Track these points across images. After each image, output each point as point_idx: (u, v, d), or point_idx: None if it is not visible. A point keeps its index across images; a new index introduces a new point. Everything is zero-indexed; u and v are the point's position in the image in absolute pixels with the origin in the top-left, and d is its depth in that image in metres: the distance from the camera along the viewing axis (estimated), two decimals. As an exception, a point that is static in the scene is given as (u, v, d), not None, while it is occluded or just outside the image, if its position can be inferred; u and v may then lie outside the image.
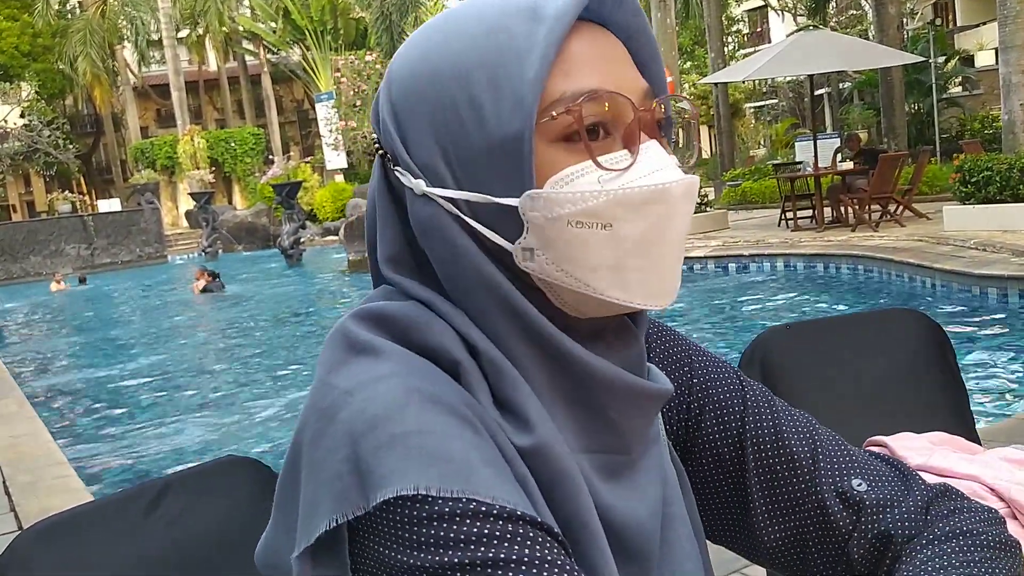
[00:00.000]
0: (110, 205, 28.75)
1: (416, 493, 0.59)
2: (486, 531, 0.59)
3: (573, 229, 0.67)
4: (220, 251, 24.35)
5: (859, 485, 0.84)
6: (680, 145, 0.77)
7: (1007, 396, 5.24)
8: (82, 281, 20.79)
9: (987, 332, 6.74)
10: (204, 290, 15.54)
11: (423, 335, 0.69)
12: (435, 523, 0.59)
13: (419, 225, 0.71)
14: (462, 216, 0.69)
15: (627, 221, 0.67)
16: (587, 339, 0.71)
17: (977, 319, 7.10)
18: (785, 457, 0.85)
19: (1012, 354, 6.16)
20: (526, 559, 0.59)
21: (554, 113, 0.67)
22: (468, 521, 0.59)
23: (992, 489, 1.39)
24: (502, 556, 0.59)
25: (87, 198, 32.73)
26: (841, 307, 8.50)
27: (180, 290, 16.47)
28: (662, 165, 0.69)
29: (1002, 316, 7.14)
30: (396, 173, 0.72)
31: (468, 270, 0.70)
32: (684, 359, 0.90)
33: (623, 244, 0.68)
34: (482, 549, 0.59)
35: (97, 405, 8.01)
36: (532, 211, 0.67)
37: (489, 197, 0.68)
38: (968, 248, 8.77)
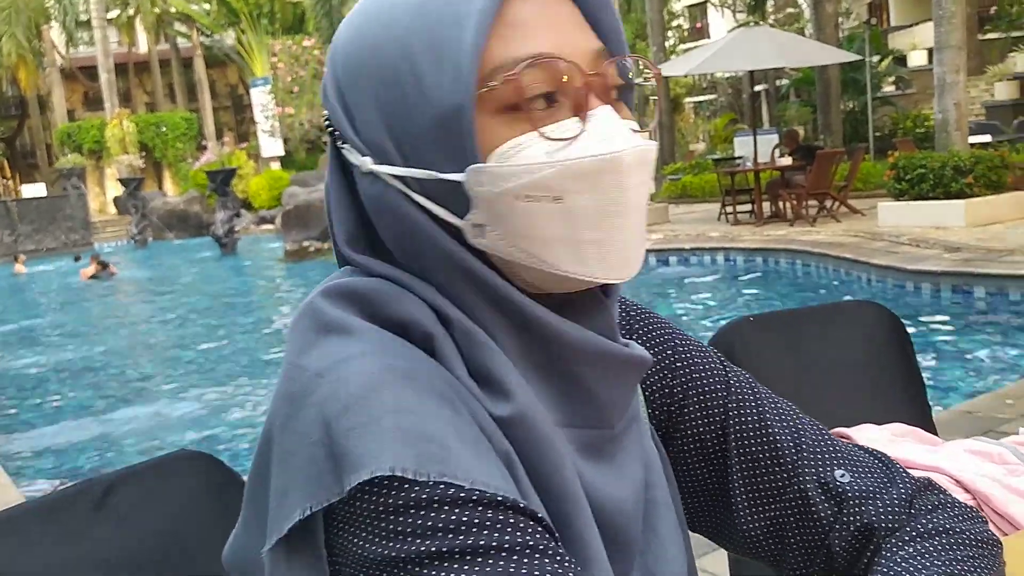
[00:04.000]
0: (35, 190, 27.87)
1: (392, 475, 0.56)
2: (464, 518, 0.56)
3: (521, 203, 0.64)
4: (150, 239, 23.81)
5: (842, 476, 0.83)
6: (642, 108, 0.73)
7: (941, 390, 5.38)
8: (77, 259, 20.02)
9: (921, 327, 6.89)
10: (92, 276, 15.88)
11: (394, 309, 0.66)
12: (411, 511, 0.56)
13: (370, 203, 0.69)
14: (410, 193, 0.66)
15: (578, 193, 0.64)
16: (555, 308, 0.68)
17: (910, 314, 7.27)
18: (768, 445, 0.84)
19: (944, 348, 6.32)
20: (506, 545, 0.56)
21: (493, 83, 0.64)
22: (446, 508, 0.56)
23: (957, 480, 1.39)
24: (481, 544, 0.56)
25: (11, 183, 31.66)
26: (781, 301, 8.64)
27: (113, 281, 16.08)
28: (614, 132, 0.66)
29: (935, 311, 7.32)
30: (344, 151, 0.69)
31: (425, 245, 0.66)
32: (668, 343, 0.88)
33: (576, 217, 0.64)
34: (460, 537, 0.56)
35: (19, 397, 7.75)
36: (478, 186, 0.64)
37: (435, 173, 0.65)
38: (902, 244, 8.99)
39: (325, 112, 0.73)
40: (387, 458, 0.56)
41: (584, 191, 0.64)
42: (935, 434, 1.69)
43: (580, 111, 0.66)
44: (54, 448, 5.91)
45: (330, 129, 0.71)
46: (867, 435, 1.59)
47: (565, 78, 0.65)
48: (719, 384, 0.87)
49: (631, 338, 0.86)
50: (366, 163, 0.67)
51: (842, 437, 1.55)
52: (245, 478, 0.68)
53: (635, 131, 0.69)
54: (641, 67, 0.74)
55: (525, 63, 0.64)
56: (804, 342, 1.85)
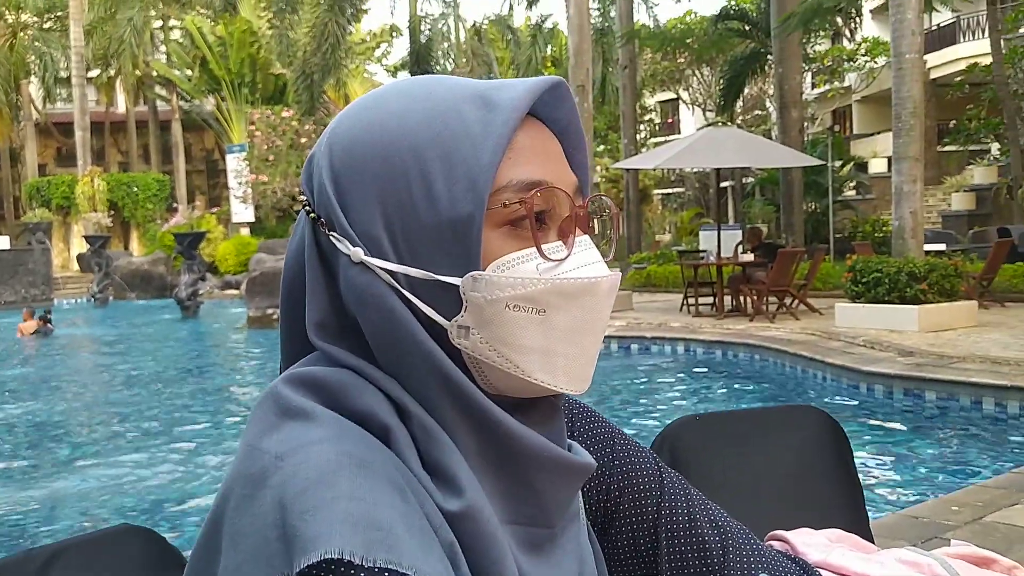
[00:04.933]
0: (-1, 242, 27.52)
1: (340, 558, 0.58)
2: None
3: (510, 312, 0.69)
4: (111, 297, 23.48)
5: None
6: (602, 238, 0.81)
7: (888, 492, 5.42)
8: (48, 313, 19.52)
9: (872, 428, 6.97)
10: (35, 332, 16.09)
11: (354, 400, 0.69)
12: None
13: (353, 292, 0.71)
14: (399, 288, 0.70)
15: (560, 309, 0.70)
16: (511, 411, 0.72)
17: (863, 414, 7.35)
18: (697, 547, 0.89)
19: (894, 450, 6.38)
20: None
21: (506, 200, 0.69)
22: None
23: (886, 589, 1.43)
24: None
25: (-26, 233, 31.23)
26: (737, 394, 8.70)
27: (62, 339, 15.79)
28: (593, 260, 0.74)
29: (887, 412, 7.41)
30: (332, 239, 0.71)
31: (404, 339, 0.70)
32: (607, 441, 0.92)
33: (554, 330, 0.70)
34: None
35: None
36: (473, 291, 0.69)
37: (430, 274, 0.69)
38: (857, 345, 9.13)
39: (303, 196, 0.75)
40: (337, 542, 0.58)
41: (565, 308, 0.70)
42: (872, 541, 1.73)
43: (565, 237, 0.73)
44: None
45: (312, 214, 0.73)
46: (804, 539, 1.61)
47: (558, 206, 0.73)
48: (653, 484, 0.91)
49: (572, 435, 0.91)
50: (358, 254, 0.70)
51: (780, 540, 1.59)
52: (186, 554, 0.69)
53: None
54: (605, 204, 0.82)
55: (537, 188, 0.70)
56: (746, 443, 1.88)
